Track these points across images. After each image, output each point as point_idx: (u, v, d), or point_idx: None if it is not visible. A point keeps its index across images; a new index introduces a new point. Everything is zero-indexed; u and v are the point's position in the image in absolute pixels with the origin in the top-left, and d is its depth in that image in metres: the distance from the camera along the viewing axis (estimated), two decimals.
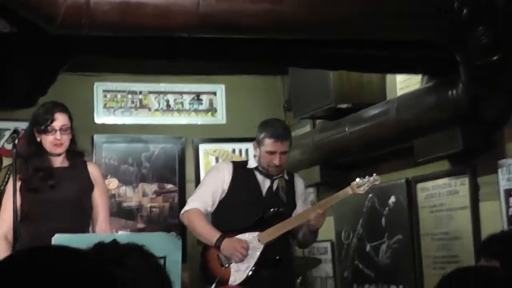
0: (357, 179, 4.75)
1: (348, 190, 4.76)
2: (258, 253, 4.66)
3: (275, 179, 4.80)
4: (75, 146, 4.43)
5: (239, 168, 4.84)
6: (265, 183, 4.81)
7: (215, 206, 4.78)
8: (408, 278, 5.31)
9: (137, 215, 6.74)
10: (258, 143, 4.77)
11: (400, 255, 5.39)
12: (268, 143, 4.69)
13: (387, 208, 5.54)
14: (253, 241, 4.67)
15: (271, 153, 4.69)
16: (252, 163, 4.86)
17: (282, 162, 4.72)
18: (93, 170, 4.48)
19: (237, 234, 4.67)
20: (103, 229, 4.35)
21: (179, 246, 4.48)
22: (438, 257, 5.07)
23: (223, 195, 4.77)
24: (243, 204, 4.72)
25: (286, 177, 4.86)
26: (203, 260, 4.72)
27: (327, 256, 6.32)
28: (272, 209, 4.71)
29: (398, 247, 5.41)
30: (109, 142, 6.71)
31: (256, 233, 4.68)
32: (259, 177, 4.81)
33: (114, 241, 2.14)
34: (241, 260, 4.63)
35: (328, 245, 6.32)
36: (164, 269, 2.12)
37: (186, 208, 4.79)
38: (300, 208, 4.86)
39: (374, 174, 4.77)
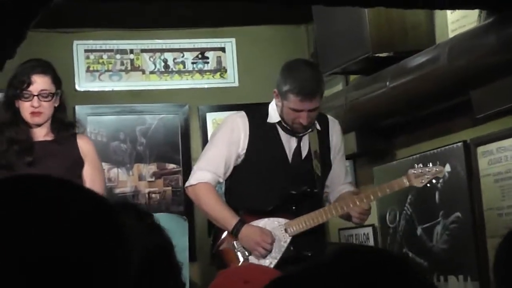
0: (416, 166, 4.69)
1: (403, 181, 4.69)
2: (283, 248, 4.58)
3: (303, 136, 4.68)
4: (63, 115, 4.45)
5: (257, 123, 4.68)
6: (291, 144, 4.67)
7: (228, 175, 4.67)
8: (470, 265, 5.24)
9: None
10: (280, 94, 4.58)
11: (460, 238, 5.32)
12: (293, 101, 4.51)
13: (441, 180, 5.45)
14: (278, 231, 4.58)
15: (297, 111, 4.54)
16: (273, 116, 4.67)
17: (310, 120, 4.57)
18: (83, 143, 4.52)
19: (257, 218, 4.59)
20: None
21: (186, 229, 4.48)
22: None
23: (239, 161, 4.66)
24: (265, 175, 4.61)
25: (318, 127, 4.72)
26: (216, 248, 4.63)
27: (369, 244, 6.28)
28: (303, 189, 4.60)
29: (457, 227, 5.34)
30: (94, 114, 6.68)
31: (282, 221, 4.59)
32: (283, 136, 4.66)
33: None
34: (263, 257, 4.55)
35: (369, 230, 6.26)
36: (163, 231, 2.14)
37: (192, 181, 4.66)
38: (335, 172, 4.77)
39: (438, 163, 4.72)
